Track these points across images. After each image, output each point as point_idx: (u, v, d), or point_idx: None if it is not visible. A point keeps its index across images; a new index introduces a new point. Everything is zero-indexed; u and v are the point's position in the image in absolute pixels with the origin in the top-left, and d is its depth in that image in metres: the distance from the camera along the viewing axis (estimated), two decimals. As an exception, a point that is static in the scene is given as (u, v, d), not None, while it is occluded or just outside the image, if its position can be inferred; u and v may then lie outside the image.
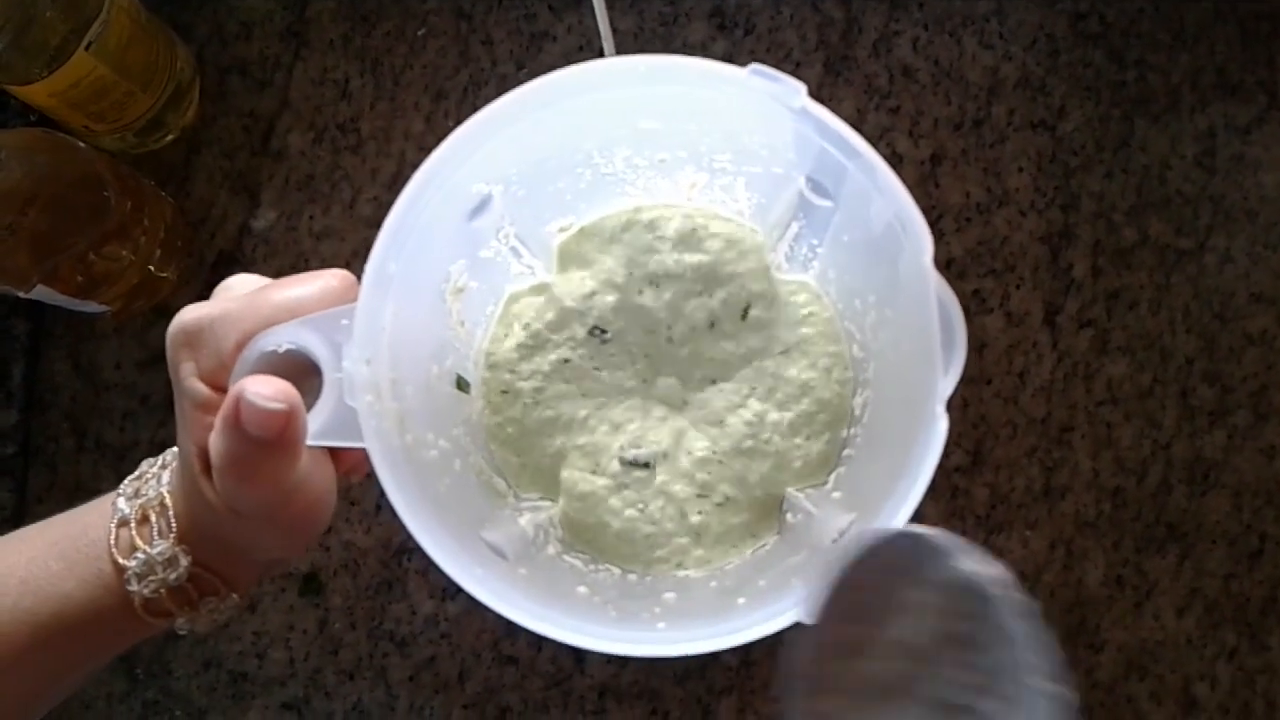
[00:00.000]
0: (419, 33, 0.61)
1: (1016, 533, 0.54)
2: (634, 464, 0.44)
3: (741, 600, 0.37)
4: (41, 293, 0.53)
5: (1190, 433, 0.54)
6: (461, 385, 0.44)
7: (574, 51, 0.60)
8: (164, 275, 0.58)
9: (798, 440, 0.44)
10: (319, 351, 0.34)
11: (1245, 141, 0.56)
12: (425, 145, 0.59)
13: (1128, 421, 0.55)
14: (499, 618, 0.55)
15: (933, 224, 0.34)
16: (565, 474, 0.45)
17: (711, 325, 0.45)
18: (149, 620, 0.37)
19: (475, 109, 0.62)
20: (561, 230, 0.46)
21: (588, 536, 0.45)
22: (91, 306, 0.57)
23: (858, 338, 0.44)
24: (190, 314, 0.35)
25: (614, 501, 0.44)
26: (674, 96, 0.38)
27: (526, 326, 0.45)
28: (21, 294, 0.53)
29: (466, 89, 0.60)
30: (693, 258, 0.45)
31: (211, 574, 0.37)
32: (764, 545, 0.44)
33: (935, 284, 0.34)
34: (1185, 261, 0.56)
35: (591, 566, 0.44)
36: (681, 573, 0.44)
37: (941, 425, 0.34)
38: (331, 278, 0.36)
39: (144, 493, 0.37)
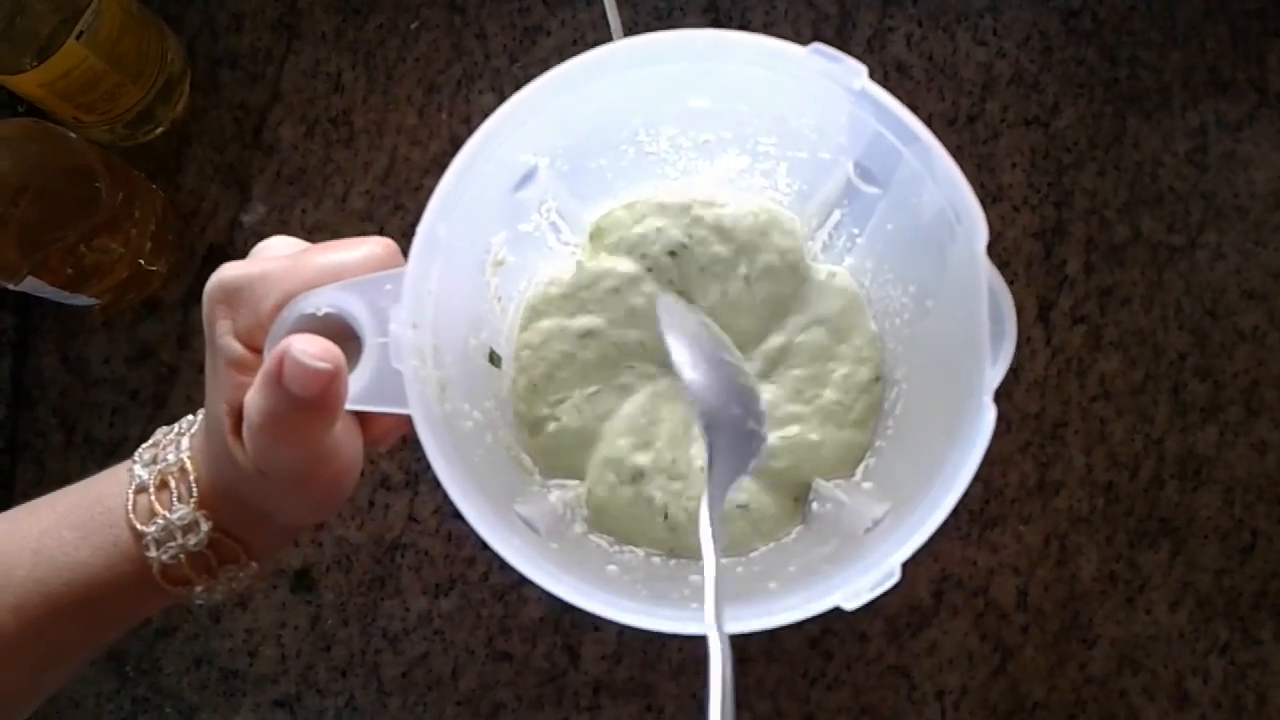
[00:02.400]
0: (412, 26, 0.60)
1: (1010, 528, 0.54)
2: (655, 456, 0.44)
3: (773, 585, 0.37)
4: (31, 285, 0.53)
5: (1182, 428, 0.55)
6: (494, 360, 0.44)
7: (568, 45, 0.60)
8: (154, 268, 0.57)
9: (827, 431, 0.44)
10: (361, 315, 0.34)
11: (1236, 138, 0.57)
12: (418, 139, 0.59)
13: (1120, 417, 0.55)
14: (493, 613, 0.55)
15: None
16: (591, 462, 0.44)
17: (741, 312, 0.45)
18: (167, 588, 0.36)
19: (468, 103, 0.62)
20: (594, 214, 0.46)
21: (609, 524, 0.44)
22: (81, 299, 0.56)
23: (893, 329, 0.44)
24: (230, 271, 0.35)
25: (634, 490, 0.44)
26: (726, 75, 0.37)
27: (556, 304, 0.45)
28: (10, 286, 0.53)
29: (460, 83, 0.60)
30: (726, 243, 0.44)
31: (232, 540, 0.37)
32: (788, 534, 0.44)
33: (987, 272, 0.34)
34: (1177, 258, 0.56)
35: (616, 548, 0.43)
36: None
37: (990, 415, 0.33)
38: (375, 244, 0.35)
39: (162, 458, 0.37)
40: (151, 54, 0.56)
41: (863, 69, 0.35)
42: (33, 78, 0.52)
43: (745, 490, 0.44)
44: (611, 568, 0.41)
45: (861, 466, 0.44)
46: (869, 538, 0.37)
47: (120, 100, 0.56)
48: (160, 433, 0.38)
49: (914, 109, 0.57)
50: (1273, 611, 0.53)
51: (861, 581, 0.33)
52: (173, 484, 0.36)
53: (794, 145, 0.42)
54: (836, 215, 0.44)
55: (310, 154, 0.60)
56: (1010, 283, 0.56)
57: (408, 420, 0.34)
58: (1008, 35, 0.58)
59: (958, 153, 0.57)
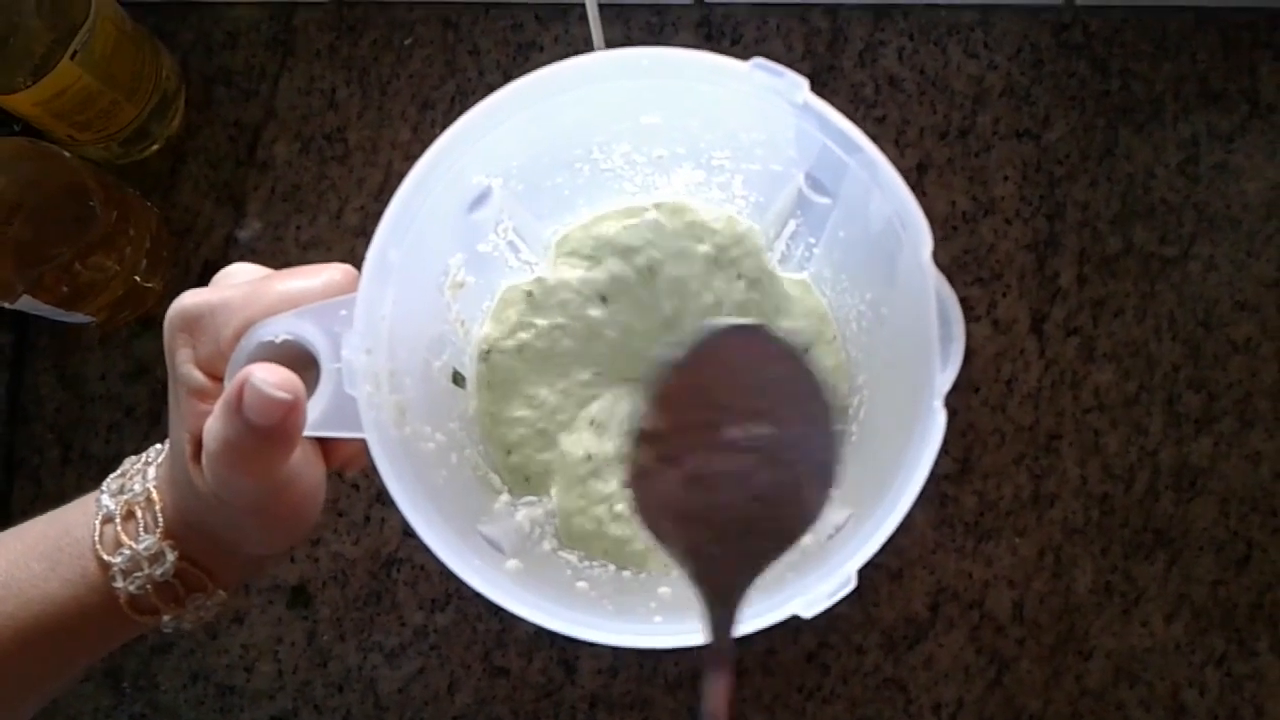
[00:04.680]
0: (406, 42, 0.60)
1: (1005, 540, 0.54)
2: (611, 471, 0.44)
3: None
4: (26, 303, 0.53)
5: (1177, 439, 0.55)
6: (458, 380, 0.44)
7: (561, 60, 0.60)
8: (149, 286, 0.58)
9: None
10: (317, 341, 0.34)
11: (1228, 149, 0.57)
12: (412, 155, 0.59)
13: (1115, 429, 0.55)
14: (489, 628, 0.55)
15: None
16: (552, 472, 0.45)
17: (709, 316, 0.45)
18: (135, 618, 0.36)
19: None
20: (554, 232, 0.46)
21: (580, 540, 0.44)
22: (77, 317, 0.56)
23: (853, 336, 0.44)
24: (190, 299, 0.35)
25: (599, 510, 0.44)
26: (676, 91, 0.38)
27: (519, 321, 0.45)
28: (6, 304, 0.53)
29: (454, 99, 0.60)
30: (689, 254, 0.45)
31: (198, 569, 0.37)
32: None
33: (934, 279, 0.34)
34: (1170, 269, 0.56)
35: (586, 563, 0.44)
36: (675, 572, 0.44)
37: (940, 419, 0.34)
38: (335, 270, 0.36)
39: (129, 488, 0.37)
40: (146, 72, 0.57)
41: (804, 82, 0.35)
42: (27, 97, 0.52)
43: None
44: (581, 584, 0.41)
45: None
46: (830, 544, 0.37)
47: (115, 118, 0.56)
48: (128, 462, 0.39)
49: (905, 122, 0.58)
50: (1269, 623, 0.53)
51: (819, 589, 0.33)
52: (139, 514, 0.36)
53: (747, 158, 0.42)
54: (792, 225, 0.44)
55: (305, 170, 0.60)
56: (1003, 295, 0.56)
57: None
58: (999, 48, 0.58)
59: (949, 166, 0.57)
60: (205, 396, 0.34)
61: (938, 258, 0.56)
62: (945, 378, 0.34)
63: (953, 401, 0.55)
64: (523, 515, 0.43)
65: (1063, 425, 0.55)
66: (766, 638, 0.54)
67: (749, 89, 0.36)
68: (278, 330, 0.34)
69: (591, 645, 0.54)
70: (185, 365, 0.35)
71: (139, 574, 0.36)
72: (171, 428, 0.36)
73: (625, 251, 0.45)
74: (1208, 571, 0.54)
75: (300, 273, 0.35)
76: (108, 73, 0.54)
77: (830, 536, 0.38)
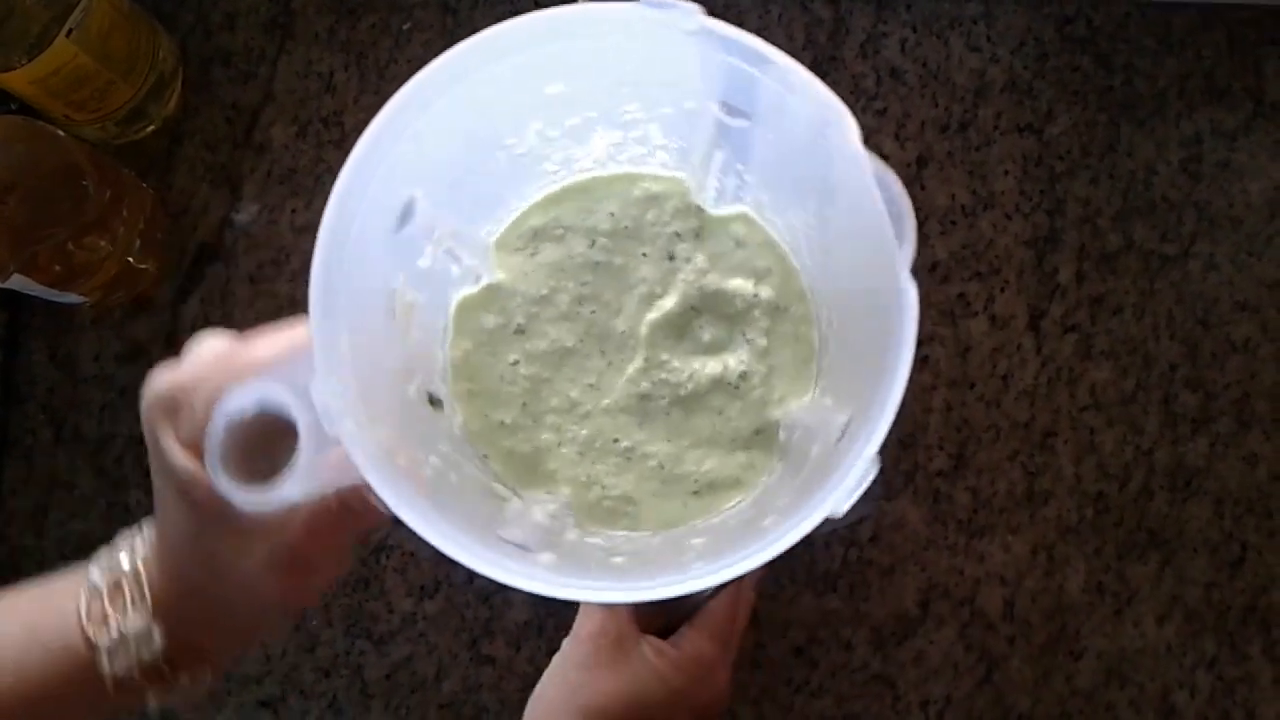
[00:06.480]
0: (404, 26, 0.60)
1: (998, 537, 0.54)
2: (613, 446, 0.44)
3: (768, 521, 0.37)
4: (19, 282, 0.53)
5: (1173, 439, 0.54)
6: (434, 403, 0.44)
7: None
8: (144, 267, 0.57)
9: (771, 363, 0.44)
10: (287, 400, 0.32)
11: (1231, 148, 0.56)
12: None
13: (1110, 427, 0.55)
14: (477, 616, 0.55)
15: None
16: (554, 465, 0.44)
17: (652, 284, 0.45)
18: (119, 699, 0.36)
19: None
20: (489, 232, 0.45)
21: (598, 518, 0.44)
22: (70, 297, 0.56)
23: (808, 247, 0.44)
24: (163, 383, 0.34)
25: (608, 480, 0.44)
26: (575, 52, 0.37)
27: (481, 329, 0.45)
28: (-2, 284, 0.53)
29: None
30: (622, 219, 0.44)
31: (187, 648, 0.36)
32: (772, 474, 0.44)
33: (869, 164, 0.33)
34: (1170, 268, 0.56)
35: (615, 540, 0.43)
36: (703, 522, 0.43)
37: (911, 294, 0.33)
38: (300, 328, 0.35)
39: (118, 564, 0.36)
40: (142, 52, 0.56)
41: (694, 8, 0.34)
42: (23, 75, 0.52)
43: (724, 458, 0.44)
44: (616, 559, 0.41)
45: (817, 386, 0.44)
46: (840, 447, 0.37)
47: (111, 98, 0.56)
48: (121, 535, 0.38)
49: (907, 115, 0.57)
50: (1261, 626, 0.53)
51: (845, 485, 0.33)
52: (126, 589, 0.36)
53: (658, 104, 0.41)
54: (719, 158, 0.43)
55: (301, 154, 0.60)
56: (1001, 290, 0.56)
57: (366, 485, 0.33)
58: (1002, 41, 0.58)
59: (949, 159, 0.57)
60: (191, 489, 0.34)
61: (937, 252, 0.56)
62: (904, 254, 0.33)
63: (947, 396, 0.55)
64: (539, 513, 0.43)
65: (1058, 423, 0.55)
66: (755, 631, 0.54)
67: (644, 30, 0.35)
68: (244, 404, 0.32)
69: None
70: (172, 451, 0.34)
71: (126, 655, 0.35)
72: (160, 515, 0.35)
73: (562, 237, 0.45)
74: (1201, 573, 0.53)
75: (265, 340, 0.35)
76: (103, 52, 0.54)
77: (838, 440, 0.37)
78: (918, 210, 0.57)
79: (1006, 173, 0.57)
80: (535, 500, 0.44)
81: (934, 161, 0.57)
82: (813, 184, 0.40)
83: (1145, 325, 0.55)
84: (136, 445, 0.58)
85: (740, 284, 0.45)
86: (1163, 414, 0.55)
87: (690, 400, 0.45)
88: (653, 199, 0.45)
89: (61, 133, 0.53)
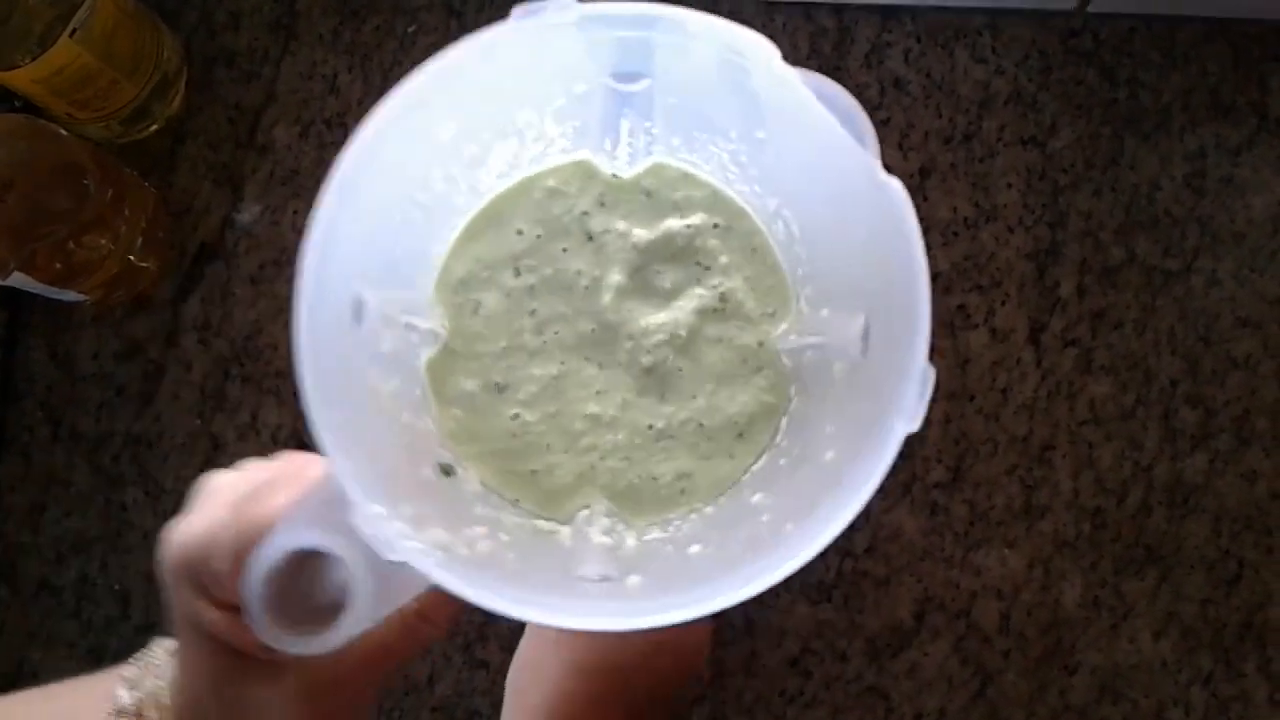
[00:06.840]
0: (409, 29, 0.60)
1: (995, 550, 0.54)
2: (649, 433, 0.43)
3: (829, 456, 0.36)
4: (19, 280, 0.53)
5: (1172, 455, 0.54)
6: (448, 472, 0.43)
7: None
8: (144, 265, 0.57)
9: (743, 274, 0.43)
10: (327, 541, 0.31)
11: (1235, 163, 0.56)
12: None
13: (1109, 442, 0.54)
14: (471, 620, 0.55)
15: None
16: (605, 480, 0.44)
17: (589, 271, 0.44)
18: None
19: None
20: (423, 287, 0.44)
21: (643, 510, 0.44)
22: (70, 295, 0.56)
23: (741, 172, 0.43)
24: (181, 543, 0.34)
25: (660, 469, 0.44)
26: (465, 88, 0.36)
27: (458, 388, 0.44)
28: (-2, 281, 0.53)
29: (455, 88, 0.59)
30: (531, 231, 0.44)
31: None
32: (790, 403, 0.43)
33: (797, 77, 0.32)
34: (1172, 283, 0.55)
35: (670, 530, 0.42)
36: (748, 476, 0.43)
37: (895, 186, 0.32)
38: (308, 466, 0.34)
39: (144, 685, 0.36)
40: (146, 51, 0.56)
41: (570, 2, 0.33)
42: (26, 74, 0.52)
43: (748, 386, 0.44)
44: (694, 548, 0.40)
45: (800, 299, 0.43)
46: (873, 358, 0.35)
47: (114, 97, 0.56)
48: (155, 644, 0.38)
49: (910, 126, 0.57)
50: (1257, 643, 0.53)
51: (906, 399, 0.31)
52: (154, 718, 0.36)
53: (549, 101, 0.41)
54: (625, 125, 0.42)
55: (304, 155, 0.60)
56: (1002, 303, 0.55)
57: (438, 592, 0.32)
58: (1006, 54, 0.58)
59: (952, 171, 0.57)
60: (218, 643, 0.33)
61: (938, 263, 0.56)
62: (870, 148, 0.32)
63: (946, 409, 0.55)
64: (595, 534, 0.42)
65: (1057, 437, 0.55)
66: (749, 640, 0.54)
67: (526, 40, 0.34)
68: (279, 557, 0.31)
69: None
70: (207, 612, 0.33)
71: None
72: (180, 660, 0.35)
73: (489, 280, 0.44)
74: (1198, 590, 0.53)
75: (275, 487, 0.34)
76: (107, 51, 0.54)
77: (863, 351, 0.36)
78: (920, 221, 0.57)
79: (1009, 185, 0.57)
80: (586, 523, 0.43)
81: (937, 173, 0.57)
82: (732, 112, 0.39)
83: (1146, 340, 0.55)
84: (134, 443, 0.58)
85: (670, 223, 0.44)
86: (1162, 429, 0.54)
87: (690, 342, 0.43)
88: (552, 193, 0.44)
89: (64, 131, 0.53)
